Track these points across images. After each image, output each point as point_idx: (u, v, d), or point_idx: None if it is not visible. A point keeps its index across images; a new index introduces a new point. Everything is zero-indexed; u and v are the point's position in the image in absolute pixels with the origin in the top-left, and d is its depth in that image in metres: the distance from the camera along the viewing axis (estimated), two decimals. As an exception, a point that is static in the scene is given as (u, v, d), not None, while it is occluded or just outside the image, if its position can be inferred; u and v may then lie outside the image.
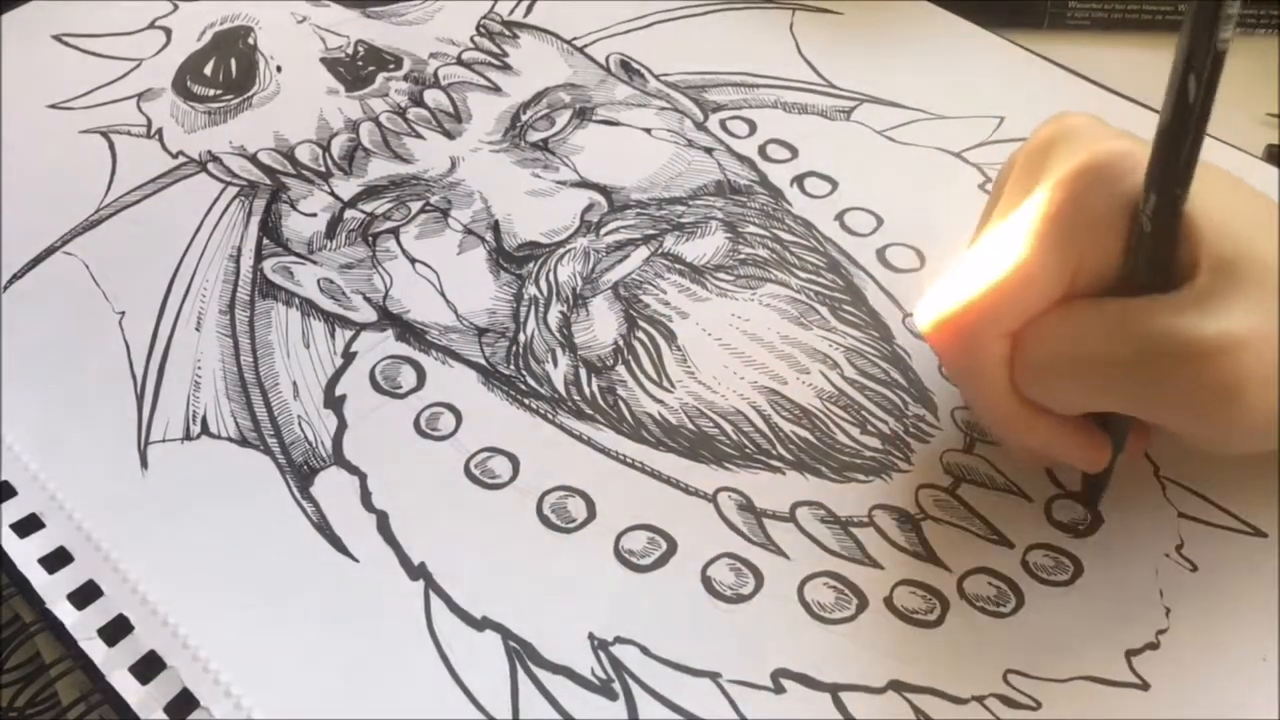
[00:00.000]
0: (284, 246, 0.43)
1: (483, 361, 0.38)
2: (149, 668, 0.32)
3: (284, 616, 0.33)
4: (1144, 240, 0.27)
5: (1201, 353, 0.26)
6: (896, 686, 0.30)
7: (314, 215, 0.44)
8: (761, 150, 0.45)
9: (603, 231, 0.42)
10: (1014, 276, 0.28)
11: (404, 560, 0.33)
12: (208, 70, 0.50)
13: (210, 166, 0.46)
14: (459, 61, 0.50)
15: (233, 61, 0.51)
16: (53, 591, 0.33)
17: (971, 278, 0.29)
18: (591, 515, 0.34)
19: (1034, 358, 0.29)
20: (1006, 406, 0.30)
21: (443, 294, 0.41)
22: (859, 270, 0.40)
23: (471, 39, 0.51)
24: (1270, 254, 0.27)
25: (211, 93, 0.49)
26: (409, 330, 0.40)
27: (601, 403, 0.37)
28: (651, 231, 0.42)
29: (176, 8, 0.54)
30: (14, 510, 0.35)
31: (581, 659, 0.31)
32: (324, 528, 0.34)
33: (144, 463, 0.36)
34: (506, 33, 0.51)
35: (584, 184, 0.44)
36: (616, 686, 0.31)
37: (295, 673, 0.31)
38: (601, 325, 0.39)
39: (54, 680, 0.33)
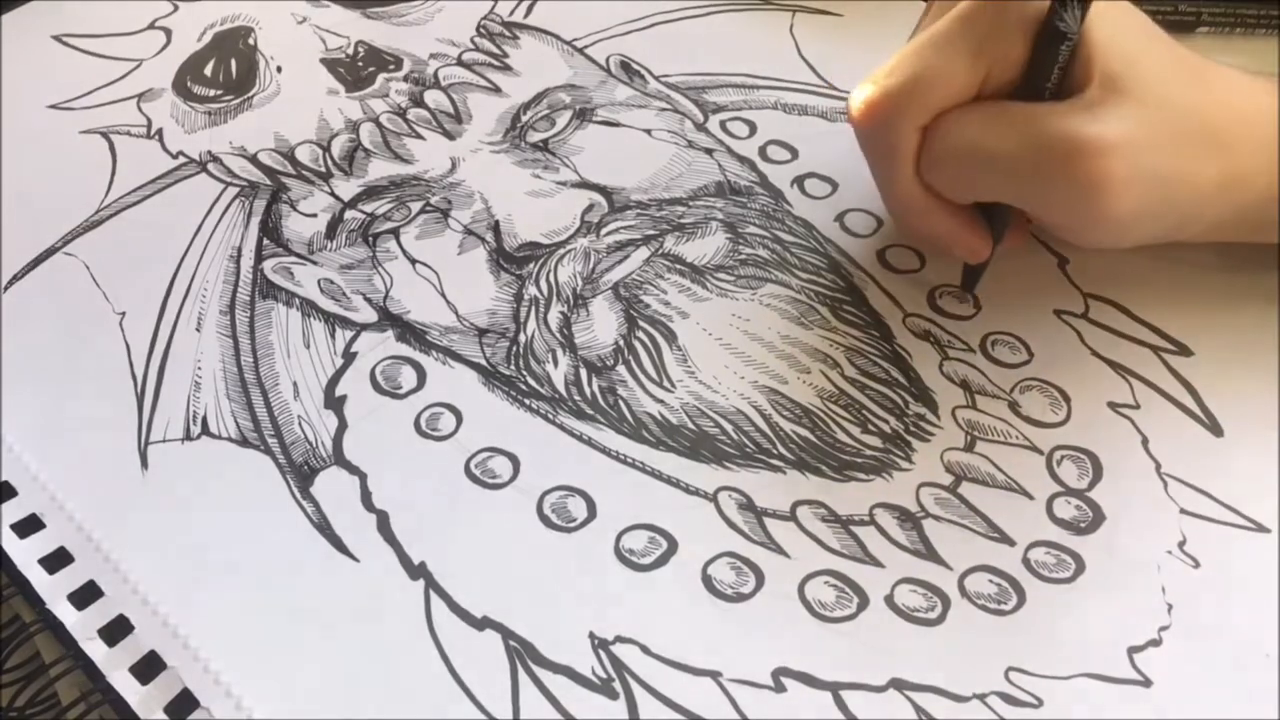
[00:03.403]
0: (284, 247, 0.43)
1: (483, 362, 0.38)
2: (149, 668, 0.32)
3: (284, 617, 0.32)
4: (1047, 44, 0.32)
5: (1078, 150, 0.31)
6: (897, 685, 0.30)
7: (314, 216, 0.44)
8: (762, 151, 0.45)
9: (603, 232, 0.42)
10: (930, 74, 0.33)
11: (404, 560, 0.33)
12: (208, 71, 0.50)
13: (210, 167, 0.46)
14: (459, 62, 0.50)
15: (233, 62, 0.51)
16: (53, 591, 0.33)
17: (895, 73, 0.34)
18: (592, 515, 0.34)
19: (940, 146, 0.34)
20: (910, 193, 0.35)
21: (443, 294, 0.41)
22: (859, 271, 0.40)
23: (472, 40, 0.51)
24: (1154, 74, 0.32)
25: (212, 93, 0.49)
26: (409, 331, 0.39)
27: (602, 402, 0.37)
28: (652, 232, 0.41)
29: (176, 8, 0.54)
30: (14, 510, 0.35)
31: (582, 658, 0.31)
32: (324, 528, 0.34)
33: (144, 463, 0.36)
34: (507, 33, 0.51)
35: (584, 184, 0.44)
36: (617, 686, 0.31)
37: (295, 673, 0.31)
38: (602, 325, 0.39)
39: (54, 680, 0.33)
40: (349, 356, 0.39)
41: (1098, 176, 0.31)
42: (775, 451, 0.35)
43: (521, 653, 0.31)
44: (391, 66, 0.50)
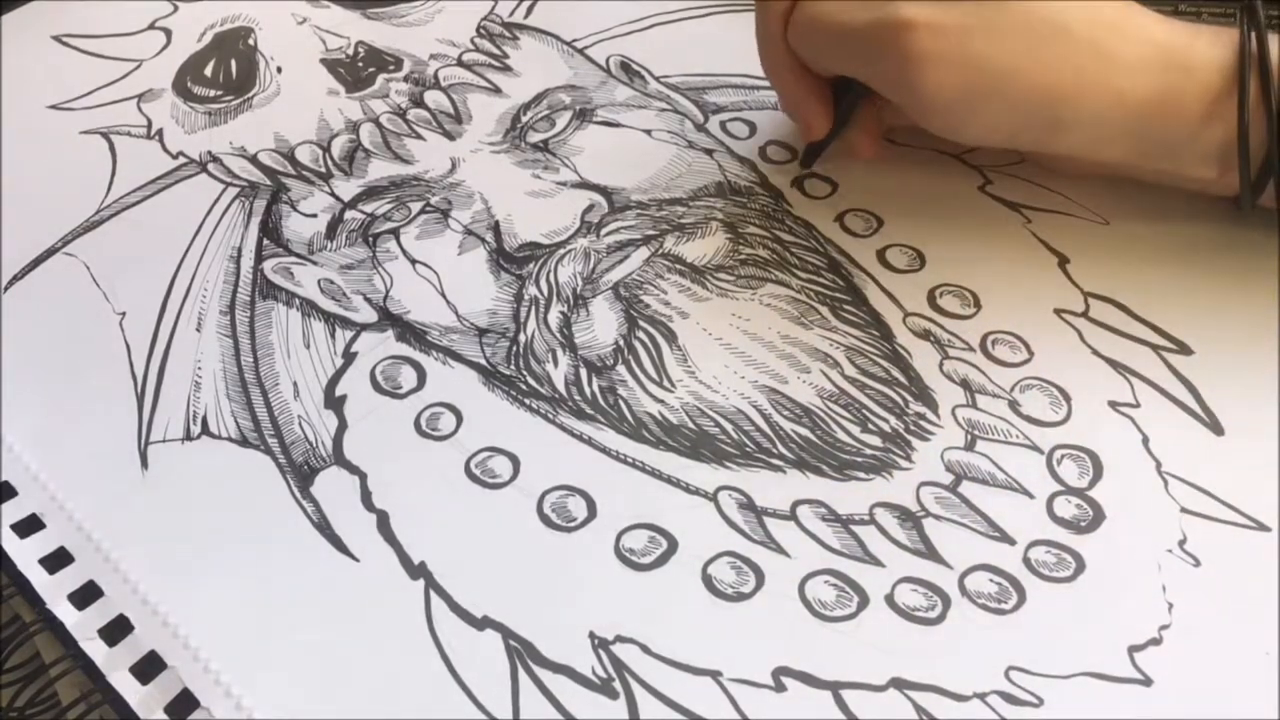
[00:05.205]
0: (284, 247, 0.43)
1: (483, 362, 0.38)
2: (149, 668, 0.32)
3: (284, 616, 0.32)
4: None
5: (898, 25, 0.36)
6: (898, 684, 0.30)
7: (314, 216, 0.44)
8: (762, 151, 0.45)
9: (603, 232, 0.42)
10: None
11: (404, 560, 0.33)
12: (208, 71, 0.50)
13: (210, 167, 0.46)
14: (459, 63, 0.50)
15: (233, 62, 0.51)
16: (53, 591, 0.33)
17: None
18: (592, 514, 0.34)
19: (803, 14, 0.39)
20: (776, 52, 0.41)
21: (443, 294, 0.41)
22: (859, 270, 0.40)
23: (472, 40, 0.51)
24: None
25: (212, 93, 0.49)
26: (409, 331, 0.39)
27: (602, 402, 0.37)
28: (652, 232, 0.42)
29: (177, 9, 0.54)
30: (14, 510, 0.35)
31: (582, 658, 0.31)
32: (324, 527, 0.34)
33: (144, 463, 0.36)
34: (507, 34, 0.51)
35: (584, 185, 0.44)
36: (617, 685, 0.30)
37: (295, 673, 0.31)
38: (602, 325, 0.39)
39: (54, 680, 0.33)
40: (349, 356, 0.39)
41: (909, 49, 0.36)
42: (775, 451, 0.35)
43: (521, 653, 0.31)
44: (391, 67, 0.50)
